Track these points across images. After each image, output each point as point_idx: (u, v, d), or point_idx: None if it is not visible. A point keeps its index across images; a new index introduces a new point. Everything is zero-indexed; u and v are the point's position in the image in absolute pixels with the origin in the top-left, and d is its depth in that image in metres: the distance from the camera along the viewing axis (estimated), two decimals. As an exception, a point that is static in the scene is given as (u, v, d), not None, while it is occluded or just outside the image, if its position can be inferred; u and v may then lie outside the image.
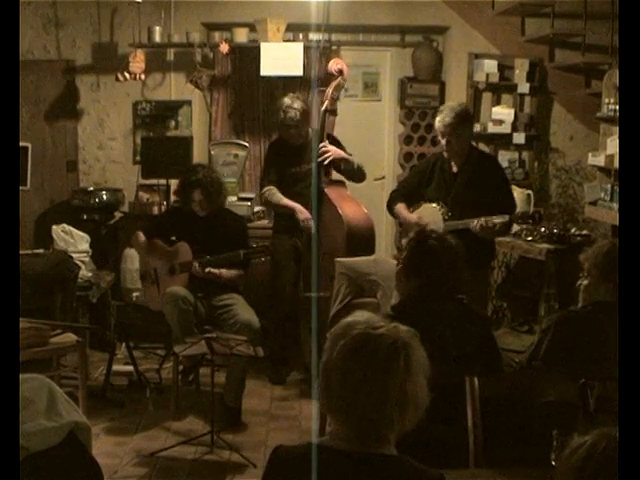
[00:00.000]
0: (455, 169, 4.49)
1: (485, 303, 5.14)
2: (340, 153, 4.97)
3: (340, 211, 4.90)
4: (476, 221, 4.23)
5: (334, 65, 5.06)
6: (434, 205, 4.52)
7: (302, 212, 4.91)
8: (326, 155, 4.91)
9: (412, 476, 1.70)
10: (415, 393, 1.69)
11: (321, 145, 4.91)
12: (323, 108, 5.02)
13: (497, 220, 4.22)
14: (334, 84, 5.03)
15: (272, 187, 5.00)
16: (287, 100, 4.93)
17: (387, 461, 1.70)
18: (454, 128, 4.35)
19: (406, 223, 4.58)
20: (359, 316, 1.79)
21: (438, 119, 4.40)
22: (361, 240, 4.94)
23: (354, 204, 5.04)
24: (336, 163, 4.99)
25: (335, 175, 5.16)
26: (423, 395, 1.72)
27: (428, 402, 1.74)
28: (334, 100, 5.00)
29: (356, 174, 5.04)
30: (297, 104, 4.90)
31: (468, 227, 4.29)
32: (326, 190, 4.98)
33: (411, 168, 6.30)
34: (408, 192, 4.68)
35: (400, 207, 4.64)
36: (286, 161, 5.03)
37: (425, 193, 4.58)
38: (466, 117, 4.49)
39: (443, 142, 4.42)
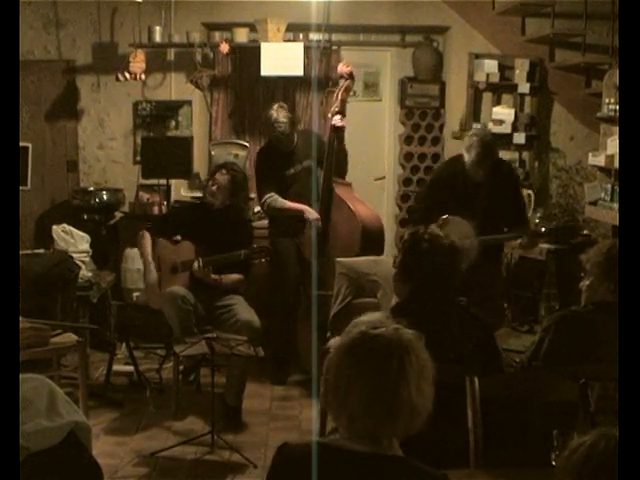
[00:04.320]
0: (479, 179, 4.52)
1: (501, 299, 5.17)
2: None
3: (354, 210, 4.91)
4: (521, 240, 4.50)
5: (343, 68, 5.06)
6: (462, 220, 4.53)
7: (310, 212, 4.93)
8: (341, 122, 4.94)
9: (416, 477, 1.69)
10: (410, 398, 1.65)
11: (338, 117, 4.95)
12: (332, 109, 5.04)
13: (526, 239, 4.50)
14: (344, 86, 5.03)
15: (272, 193, 5.00)
16: (274, 114, 4.92)
17: (390, 462, 1.69)
18: (491, 158, 4.50)
19: None
20: (368, 316, 1.79)
21: (475, 157, 4.43)
22: (374, 239, 4.96)
23: (363, 204, 5.06)
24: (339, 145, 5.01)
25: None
26: (422, 401, 1.67)
27: (430, 408, 1.70)
28: (343, 102, 5.02)
29: (343, 162, 5.07)
30: (283, 115, 4.92)
31: (500, 242, 4.56)
32: (335, 189, 5.00)
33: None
34: (431, 206, 4.59)
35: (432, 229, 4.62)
36: (279, 164, 5.04)
37: (448, 204, 4.56)
38: (496, 143, 4.78)
39: (473, 169, 4.49)
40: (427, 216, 4.60)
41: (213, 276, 4.57)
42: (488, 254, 4.53)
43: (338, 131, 4.97)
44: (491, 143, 4.54)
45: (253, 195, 5.94)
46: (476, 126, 5.99)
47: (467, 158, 4.48)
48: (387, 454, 1.70)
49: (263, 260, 4.68)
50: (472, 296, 4.76)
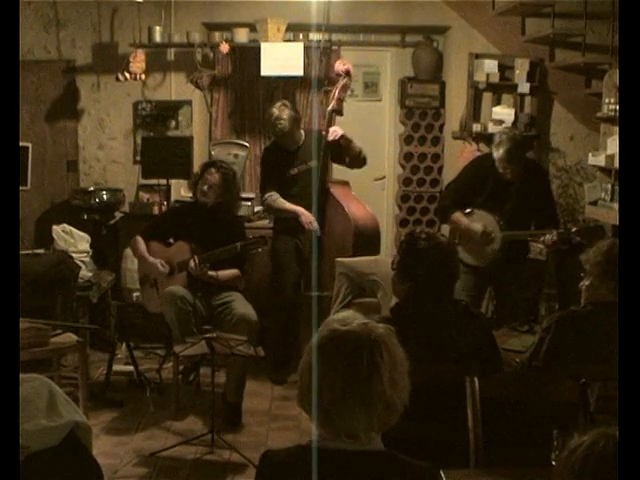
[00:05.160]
0: (510, 176, 4.49)
1: (529, 298, 5.18)
2: (345, 133, 4.98)
3: (347, 210, 4.90)
4: (548, 235, 4.34)
5: (341, 66, 5.05)
6: (488, 214, 4.53)
7: (305, 215, 4.91)
8: (336, 133, 4.91)
9: (401, 469, 1.70)
10: (383, 391, 1.65)
11: (333, 129, 4.93)
12: (329, 108, 5.04)
13: (556, 236, 4.37)
14: (340, 85, 5.02)
15: (273, 193, 5.01)
16: (275, 111, 4.91)
17: (373, 456, 1.70)
18: (520, 157, 4.45)
19: (469, 232, 4.56)
20: (340, 314, 1.79)
21: (503, 154, 4.39)
22: (368, 239, 4.95)
23: (359, 203, 5.05)
24: (343, 149, 4.98)
25: (336, 174, 5.17)
26: (396, 394, 1.68)
27: (407, 401, 1.70)
28: (340, 101, 5.01)
29: (358, 159, 5.04)
30: (285, 113, 4.90)
31: (525, 239, 4.56)
32: (331, 189, 4.99)
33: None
34: (460, 199, 4.64)
35: (458, 215, 4.61)
36: (283, 164, 5.04)
37: (477, 200, 4.58)
38: (526, 142, 4.69)
39: (502, 165, 4.45)
40: (454, 206, 4.63)
41: (210, 273, 4.57)
42: (513, 251, 4.54)
43: (338, 143, 4.93)
44: (520, 141, 4.48)
45: (253, 195, 5.95)
46: (476, 126, 6.00)
47: (495, 155, 4.45)
48: (369, 449, 1.70)
49: (260, 250, 4.67)
50: (501, 290, 4.84)
